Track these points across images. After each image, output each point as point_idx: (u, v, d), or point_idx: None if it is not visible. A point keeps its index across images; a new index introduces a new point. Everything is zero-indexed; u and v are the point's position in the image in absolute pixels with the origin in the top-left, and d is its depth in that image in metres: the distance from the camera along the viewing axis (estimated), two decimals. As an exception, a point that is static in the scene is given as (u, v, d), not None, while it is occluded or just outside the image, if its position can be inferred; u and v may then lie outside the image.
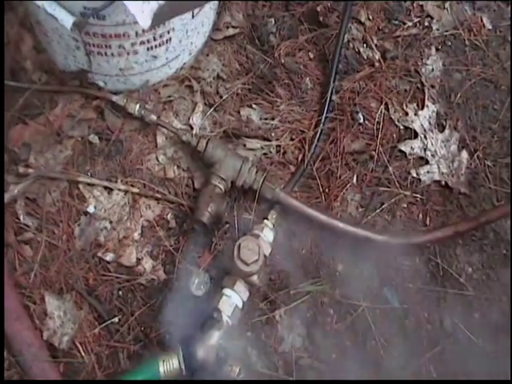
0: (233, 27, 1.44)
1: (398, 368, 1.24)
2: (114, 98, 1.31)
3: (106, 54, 1.23)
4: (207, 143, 1.27)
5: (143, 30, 1.18)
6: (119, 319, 1.21)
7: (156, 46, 1.25)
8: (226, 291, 1.17)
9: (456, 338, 1.30)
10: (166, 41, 1.26)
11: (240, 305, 1.18)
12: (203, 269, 1.24)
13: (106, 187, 1.29)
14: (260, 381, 1.20)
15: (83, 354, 1.17)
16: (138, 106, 1.30)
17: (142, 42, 1.22)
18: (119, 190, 1.28)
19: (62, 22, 1.09)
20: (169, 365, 1.10)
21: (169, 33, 1.24)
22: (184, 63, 1.37)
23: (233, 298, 1.17)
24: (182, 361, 1.11)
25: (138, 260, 1.25)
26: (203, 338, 1.13)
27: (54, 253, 1.23)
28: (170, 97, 1.36)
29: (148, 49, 1.25)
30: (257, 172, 1.28)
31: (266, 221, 1.26)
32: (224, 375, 1.11)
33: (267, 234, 1.24)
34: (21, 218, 1.24)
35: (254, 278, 1.19)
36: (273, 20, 1.46)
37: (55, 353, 1.17)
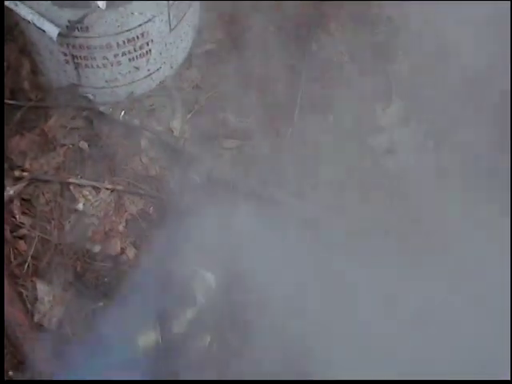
0: (211, 43, 1.57)
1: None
2: (102, 108, 1.45)
3: (92, 65, 1.37)
4: (184, 142, 1.39)
5: (124, 41, 1.32)
6: (104, 303, 1.30)
7: (137, 57, 1.39)
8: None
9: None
10: (146, 52, 1.39)
11: (213, 284, 1.26)
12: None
13: (94, 187, 1.40)
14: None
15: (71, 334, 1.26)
16: (122, 113, 1.43)
17: (124, 53, 1.36)
18: (106, 188, 1.40)
19: (49, 33, 1.23)
20: (147, 338, 1.19)
21: (148, 44, 1.38)
22: (166, 76, 1.51)
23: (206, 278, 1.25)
24: (159, 334, 1.19)
25: (122, 249, 1.35)
26: (178, 313, 1.21)
27: (46, 246, 1.34)
28: (152, 105, 1.49)
29: (130, 60, 1.38)
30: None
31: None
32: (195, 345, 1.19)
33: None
34: (17, 216, 1.36)
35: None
36: (247, 35, 1.59)
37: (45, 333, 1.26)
